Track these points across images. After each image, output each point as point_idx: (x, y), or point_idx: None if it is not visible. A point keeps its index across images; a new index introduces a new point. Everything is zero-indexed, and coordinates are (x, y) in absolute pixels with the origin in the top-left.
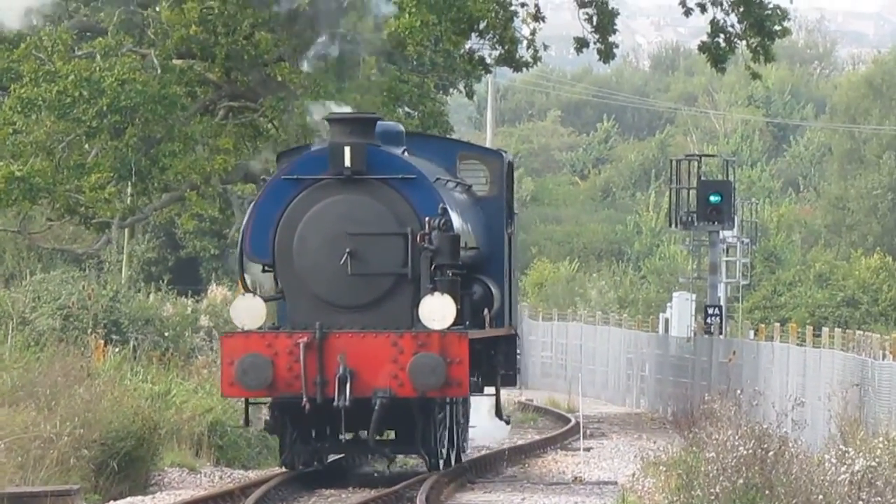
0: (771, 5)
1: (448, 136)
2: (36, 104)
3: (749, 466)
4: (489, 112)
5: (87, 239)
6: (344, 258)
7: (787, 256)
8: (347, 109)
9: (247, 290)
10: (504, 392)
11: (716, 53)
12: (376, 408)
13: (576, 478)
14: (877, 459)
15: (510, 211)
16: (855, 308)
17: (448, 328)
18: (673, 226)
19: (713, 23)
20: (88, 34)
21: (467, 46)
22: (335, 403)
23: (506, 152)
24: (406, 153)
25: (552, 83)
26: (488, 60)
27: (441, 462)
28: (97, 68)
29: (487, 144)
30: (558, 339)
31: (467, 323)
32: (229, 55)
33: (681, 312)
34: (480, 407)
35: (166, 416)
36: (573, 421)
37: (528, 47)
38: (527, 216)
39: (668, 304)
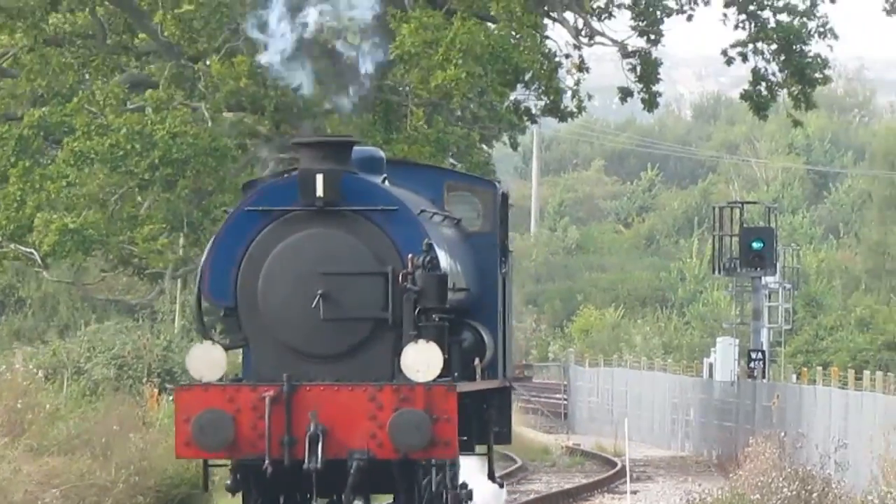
0: (812, 54)
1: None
2: (89, 157)
3: None
4: (534, 162)
5: (140, 290)
6: (316, 301)
7: (829, 301)
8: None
9: (205, 336)
10: (551, 437)
11: (757, 101)
12: (352, 471)
13: None
14: None
15: (504, 248)
16: None
17: (434, 380)
18: (716, 272)
19: (755, 71)
20: (140, 87)
21: (513, 97)
22: (305, 466)
23: (500, 182)
24: (387, 182)
25: (596, 133)
26: (534, 111)
27: None
28: (149, 121)
29: (532, 194)
30: (604, 384)
31: (455, 374)
32: (279, 108)
33: (724, 357)
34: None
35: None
36: (619, 464)
37: (573, 97)
38: (572, 263)
39: (712, 349)
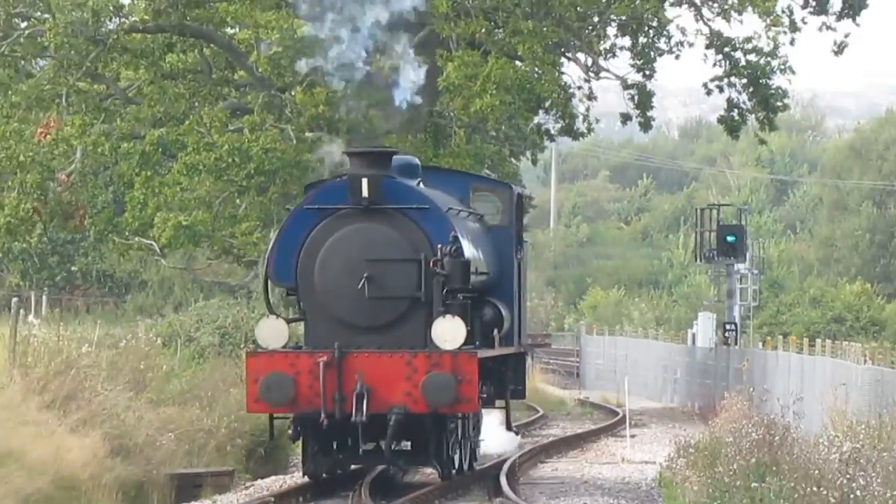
0: (774, 86)
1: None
2: (198, 168)
3: (759, 448)
4: (553, 172)
5: (238, 274)
6: (362, 282)
7: (788, 283)
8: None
9: (271, 311)
10: (566, 392)
11: (731, 125)
12: (391, 423)
13: (623, 458)
14: (860, 443)
15: (520, 239)
16: (841, 324)
17: (459, 348)
18: (698, 260)
19: (729, 100)
20: (238, 112)
21: (535, 120)
22: (352, 419)
23: (516, 185)
24: (421, 185)
25: (602, 149)
26: (552, 131)
27: (453, 472)
28: (246, 140)
29: (552, 198)
30: (609, 349)
31: (477, 343)
32: (350, 129)
33: (704, 328)
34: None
35: None
36: (621, 414)
37: (584, 121)
38: (583, 253)
39: (695, 322)
